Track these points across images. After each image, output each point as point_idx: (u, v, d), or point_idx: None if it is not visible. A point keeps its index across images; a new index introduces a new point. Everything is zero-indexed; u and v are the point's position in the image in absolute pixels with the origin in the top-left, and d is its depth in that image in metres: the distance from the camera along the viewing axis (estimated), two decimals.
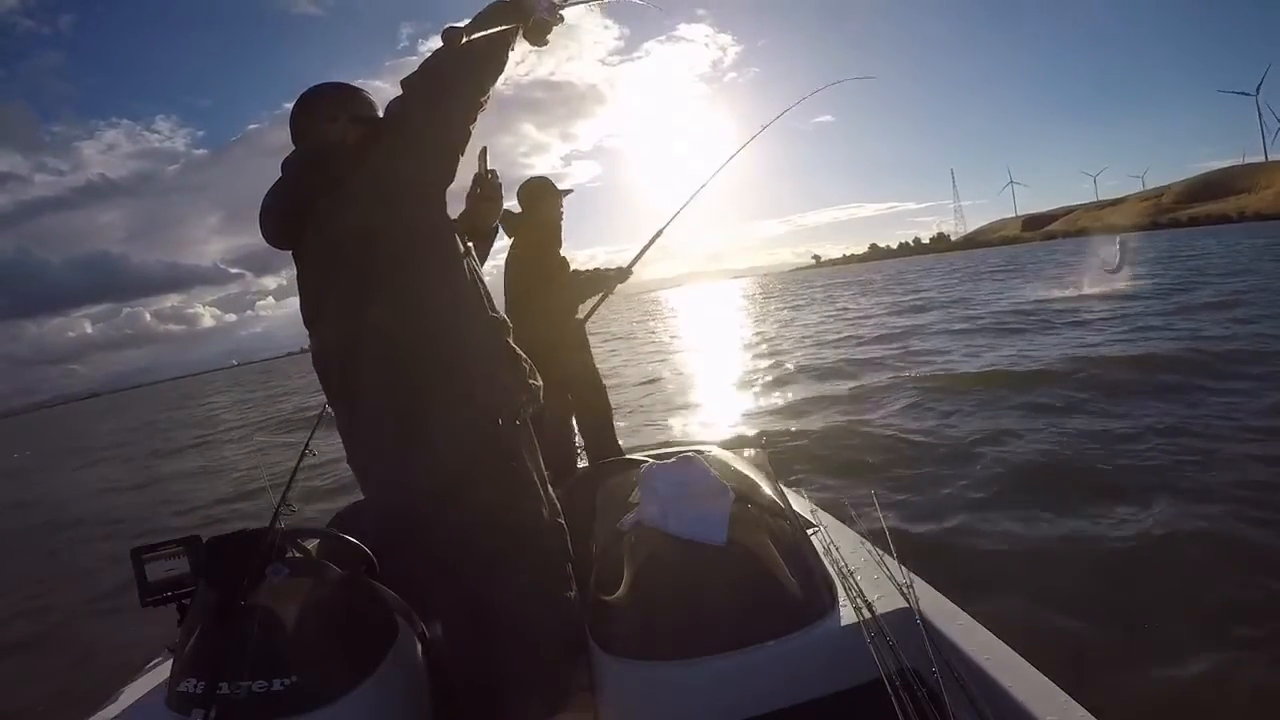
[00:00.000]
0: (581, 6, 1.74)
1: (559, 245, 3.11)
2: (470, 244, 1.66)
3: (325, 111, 1.55)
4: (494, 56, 1.52)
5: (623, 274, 3.24)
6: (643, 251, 3.44)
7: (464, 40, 1.48)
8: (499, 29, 1.52)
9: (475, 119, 1.49)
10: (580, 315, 3.26)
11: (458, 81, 1.45)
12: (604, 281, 3.22)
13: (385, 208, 1.41)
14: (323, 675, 1.46)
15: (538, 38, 1.58)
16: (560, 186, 3.09)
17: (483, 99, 1.49)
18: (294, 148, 1.57)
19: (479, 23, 1.50)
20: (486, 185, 1.90)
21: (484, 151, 1.90)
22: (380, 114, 1.58)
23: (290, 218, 1.50)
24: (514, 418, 1.56)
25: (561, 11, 1.60)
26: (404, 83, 1.45)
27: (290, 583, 1.57)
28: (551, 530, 1.64)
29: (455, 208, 1.95)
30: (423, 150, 1.42)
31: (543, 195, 3.06)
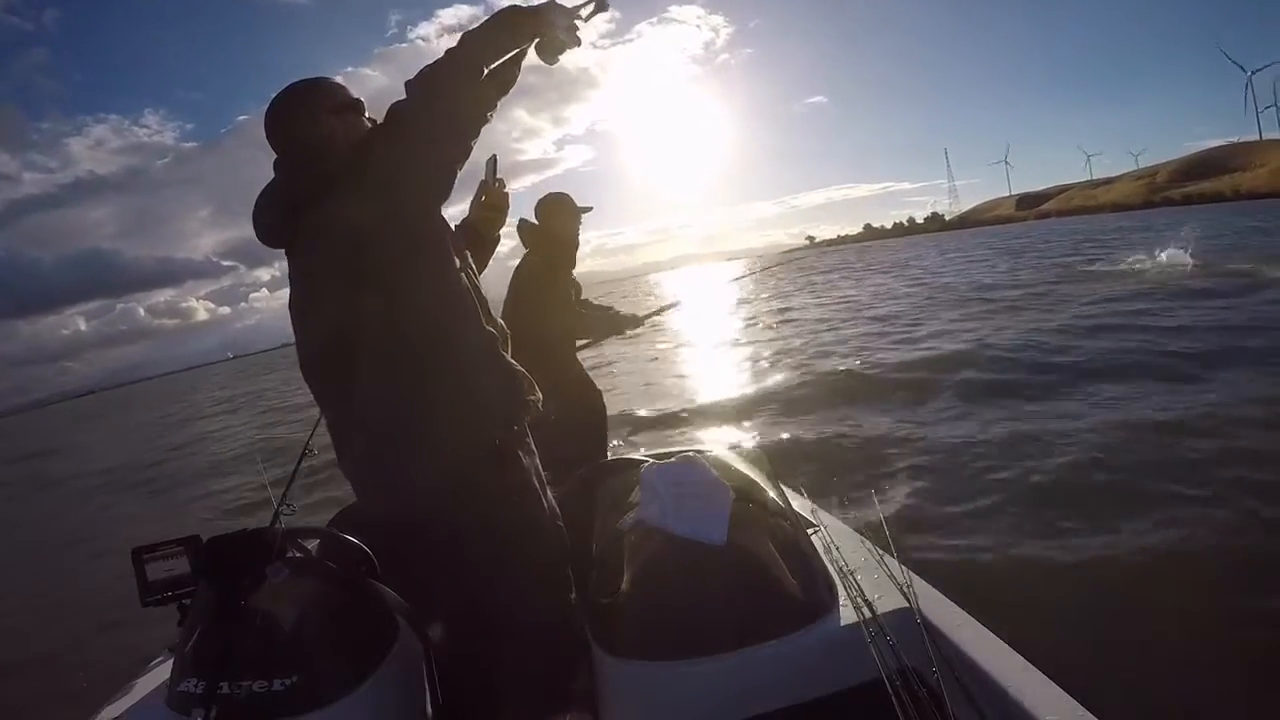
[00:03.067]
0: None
1: (572, 264, 3.11)
2: (468, 252, 1.64)
3: (307, 112, 1.52)
4: (505, 74, 1.49)
5: (633, 322, 3.24)
6: (657, 311, 3.55)
7: (476, 51, 1.43)
8: (514, 50, 1.48)
9: (479, 132, 1.46)
10: (579, 342, 3.27)
11: (464, 96, 1.42)
12: (613, 323, 3.23)
13: (381, 215, 1.39)
14: (323, 675, 1.47)
15: (550, 56, 1.53)
16: (554, 180, 3.08)
17: (489, 113, 1.46)
18: (276, 151, 1.55)
19: (494, 31, 1.45)
20: (492, 194, 1.87)
21: (493, 160, 1.86)
22: (350, 95, 1.56)
23: (284, 217, 1.49)
24: (509, 428, 1.56)
25: (579, 33, 1.55)
26: (409, 86, 1.42)
27: (290, 583, 1.57)
28: (550, 533, 1.64)
29: (461, 208, 1.93)
30: (421, 163, 1.40)
31: (557, 212, 3.06)
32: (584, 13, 1.55)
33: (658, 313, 3.49)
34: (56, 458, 21.70)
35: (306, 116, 1.51)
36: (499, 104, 1.50)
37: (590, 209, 3.13)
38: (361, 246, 1.39)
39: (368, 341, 1.43)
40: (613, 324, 3.24)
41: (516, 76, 1.52)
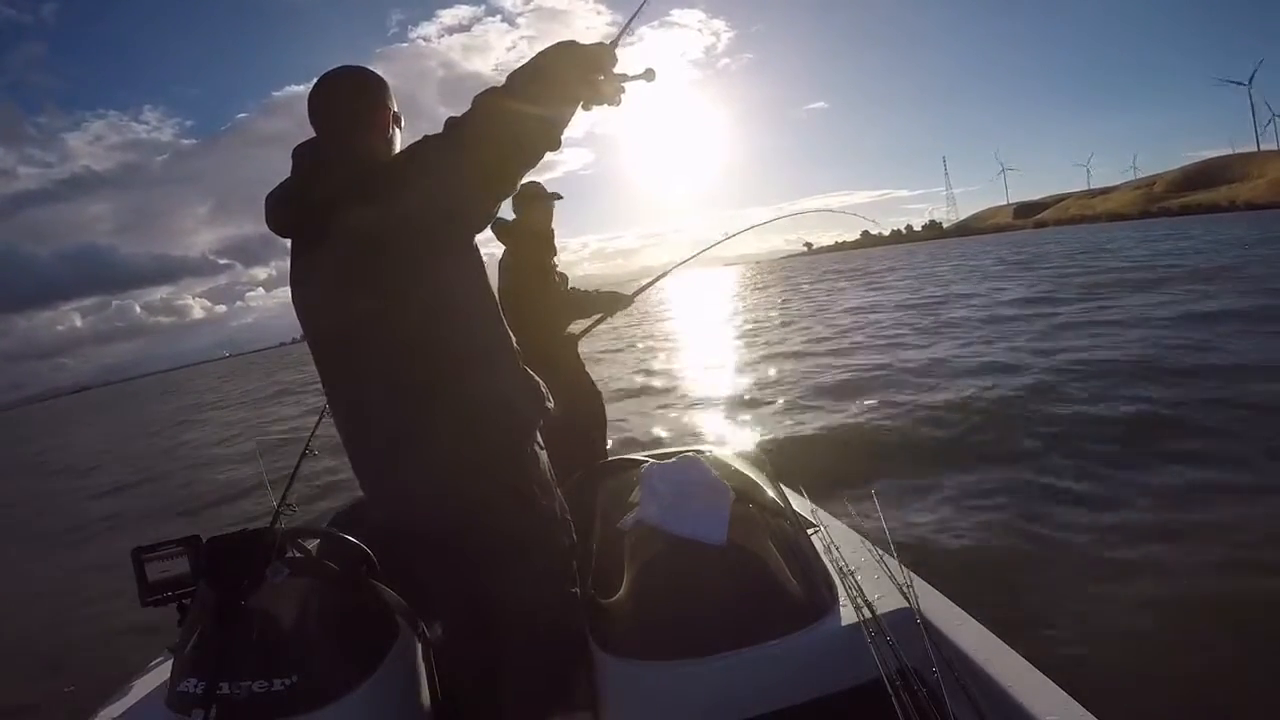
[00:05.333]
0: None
1: (552, 253, 3.08)
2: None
3: (362, 109, 1.48)
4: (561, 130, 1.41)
5: (622, 302, 3.23)
6: (647, 286, 3.59)
7: (539, 79, 1.34)
8: (573, 88, 1.38)
9: (529, 161, 1.39)
10: (575, 332, 3.25)
11: (517, 123, 1.33)
12: (601, 304, 3.21)
13: (405, 214, 1.34)
14: (323, 675, 1.47)
15: (589, 105, 1.47)
16: (552, 181, 3.05)
17: (541, 148, 1.39)
18: (313, 129, 1.49)
19: (558, 62, 1.36)
20: None
21: None
22: (395, 107, 1.53)
23: (303, 213, 1.43)
24: (530, 432, 1.54)
25: (622, 95, 1.48)
26: (475, 100, 1.34)
27: (291, 583, 1.57)
28: (561, 525, 1.63)
29: None
30: (459, 175, 1.34)
31: (536, 203, 3.03)
32: (630, 72, 1.50)
33: (646, 287, 3.50)
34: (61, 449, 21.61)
35: (356, 114, 1.47)
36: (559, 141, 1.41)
37: (560, 196, 3.08)
38: (383, 247, 1.35)
39: (383, 343, 1.41)
40: (607, 304, 3.22)
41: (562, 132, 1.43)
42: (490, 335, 1.50)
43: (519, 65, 1.36)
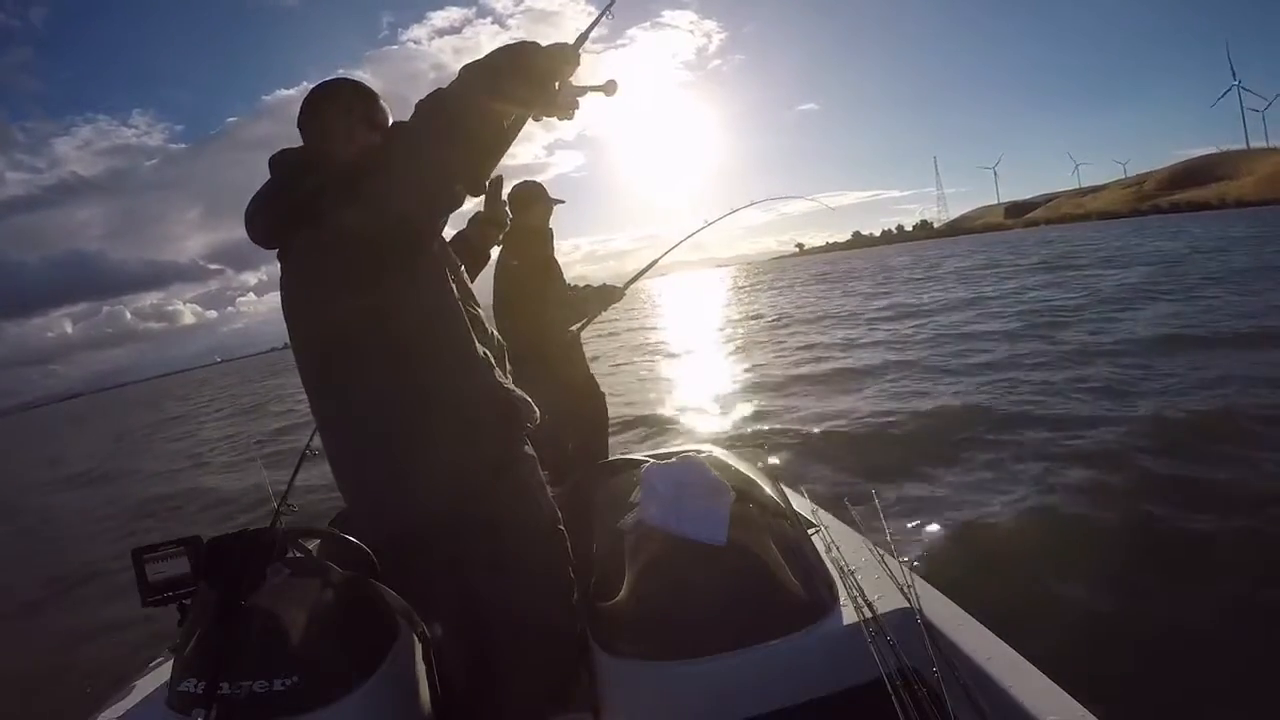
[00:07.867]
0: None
1: (550, 251, 3.09)
2: (463, 268, 1.62)
3: (349, 120, 1.47)
4: (514, 133, 1.39)
5: (615, 295, 3.24)
6: (637, 276, 3.63)
7: (488, 72, 1.29)
8: (523, 87, 1.31)
9: (487, 151, 1.35)
10: (574, 328, 3.26)
11: (469, 110, 1.29)
12: (596, 300, 3.23)
13: (375, 222, 1.32)
14: (324, 675, 1.46)
15: (538, 116, 1.42)
16: (544, 183, 3.07)
17: (497, 139, 1.35)
18: (300, 139, 1.51)
19: (514, 58, 1.29)
20: (494, 210, 1.85)
21: (499, 180, 1.84)
22: (387, 115, 1.52)
23: (286, 219, 1.42)
24: (506, 447, 1.54)
25: (575, 109, 1.40)
26: (421, 109, 1.31)
27: (291, 583, 1.57)
28: (550, 535, 1.63)
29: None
30: (417, 173, 1.32)
31: (532, 201, 3.04)
32: (590, 83, 1.43)
33: (636, 277, 3.55)
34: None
35: (343, 120, 1.47)
36: (510, 141, 1.37)
37: (563, 201, 3.10)
38: (354, 252, 1.34)
39: (357, 352, 1.40)
40: (602, 299, 3.24)
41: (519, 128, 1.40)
42: (467, 340, 1.50)
43: (471, 61, 1.30)
